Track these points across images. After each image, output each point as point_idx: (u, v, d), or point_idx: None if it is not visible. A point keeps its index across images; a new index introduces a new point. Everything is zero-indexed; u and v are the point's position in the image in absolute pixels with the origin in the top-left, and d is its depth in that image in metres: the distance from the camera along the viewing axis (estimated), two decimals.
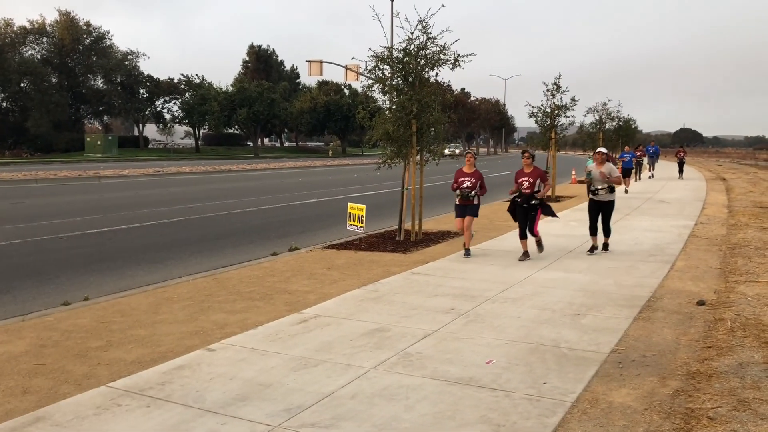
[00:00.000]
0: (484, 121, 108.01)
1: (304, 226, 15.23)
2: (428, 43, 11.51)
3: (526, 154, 10.37)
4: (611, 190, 10.63)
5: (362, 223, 12.53)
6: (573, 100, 21.57)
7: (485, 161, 73.04)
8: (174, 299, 7.82)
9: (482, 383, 4.99)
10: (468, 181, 10.38)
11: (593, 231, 10.83)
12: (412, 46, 11.55)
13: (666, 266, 9.68)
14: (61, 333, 6.46)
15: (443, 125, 12.57)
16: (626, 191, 22.66)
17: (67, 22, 72.89)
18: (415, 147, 11.91)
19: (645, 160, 31.02)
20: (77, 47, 74.09)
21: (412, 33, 11.49)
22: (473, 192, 10.35)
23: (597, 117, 36.52)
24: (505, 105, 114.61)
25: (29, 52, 72.04)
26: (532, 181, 10.14)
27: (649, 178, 30.98)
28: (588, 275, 9.07)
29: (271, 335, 6.28)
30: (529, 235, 10.29)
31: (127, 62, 77.26)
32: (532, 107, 21.67)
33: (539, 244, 10.49)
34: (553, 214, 10.86)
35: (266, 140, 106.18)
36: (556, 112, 21.59)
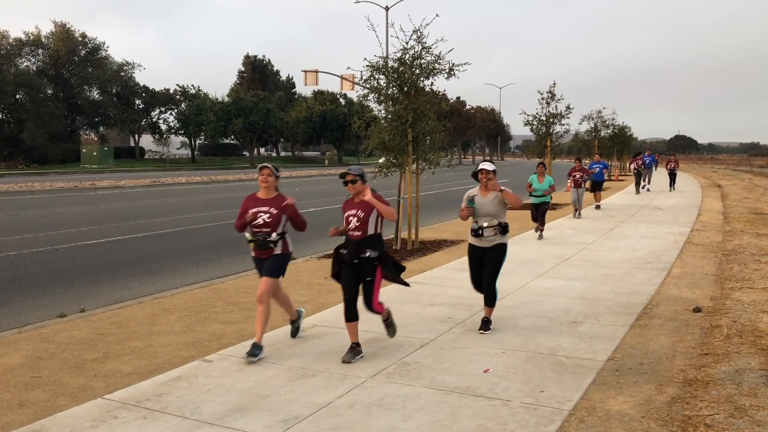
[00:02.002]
0: (480, 129, 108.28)
1: (301, 235, 15.20)
2: (423, 53, 11.57)
3: (348, 177, 5.82)
4: (503, 230, 6.58)
5: None
6: (568, 108, 21.73)
7: None
8: (170, 310, 7.81)
9: (480, 392, 4.99)
10: (264, 214, 5.94)
11: (480, 287, 6.86)
12: (407, 56, 11.61)
13: (662, 273, 9.70)
14: (58, 345, 6.44)
15: (439, 134, 12.61)
16: (598, 207, 21.48)
17: (63, 33, 73.08)
18: (410, 156, 11.94)
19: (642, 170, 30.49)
20: (73, 58, 74.25)
21: (407, 42, 11.56)
22: (274, 235, 5.95)
23: (592, 125, 36.82)
24: (500, 113, 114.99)
25: (25, 63, 72.29)
26: (362, 216, 5.78)
27: (644, 189, 30.34)
28: (584, 283, 9.08)
29: (268, 345, 6.27)
30: (367, 311, 5.94)
31: (122, 73, 77.47)
32: (528, 115, 21.80)
33: (388, 325, 6.20)
34: (401, 281, 6.06)
35: (262, 150, 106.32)
36: (551, 120, 21.70)
